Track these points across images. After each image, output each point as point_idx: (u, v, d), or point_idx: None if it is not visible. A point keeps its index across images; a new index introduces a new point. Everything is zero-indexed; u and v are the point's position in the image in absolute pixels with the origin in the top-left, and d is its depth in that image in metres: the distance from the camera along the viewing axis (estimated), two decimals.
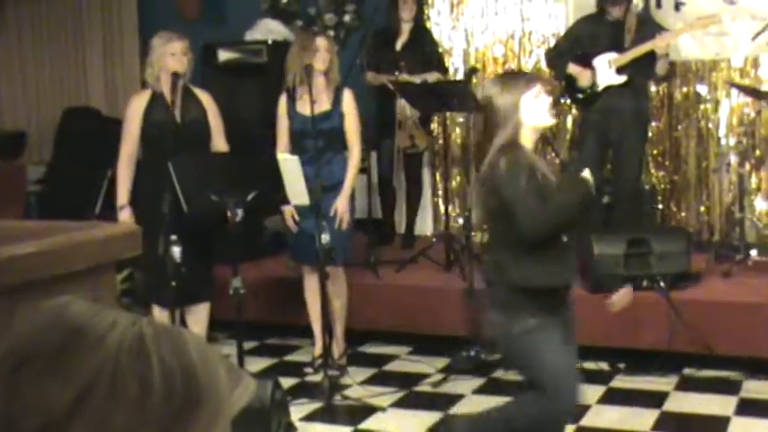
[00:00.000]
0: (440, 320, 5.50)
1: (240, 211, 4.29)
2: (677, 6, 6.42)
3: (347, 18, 7.20)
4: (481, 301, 3.63)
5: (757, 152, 6.50)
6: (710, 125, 6.51)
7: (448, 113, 6.18)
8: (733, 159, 6.43)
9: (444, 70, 6.52)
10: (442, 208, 6.78)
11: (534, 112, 3.25)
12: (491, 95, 3.27)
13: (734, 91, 6.30)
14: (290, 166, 4.61)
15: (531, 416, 3.39)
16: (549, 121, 3.35)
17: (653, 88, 6.23)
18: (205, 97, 4.99)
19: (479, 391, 4.95)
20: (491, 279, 3.41)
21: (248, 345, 5.37)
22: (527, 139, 3.27)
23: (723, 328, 4.92)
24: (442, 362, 5.35)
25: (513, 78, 3.47)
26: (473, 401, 4.78)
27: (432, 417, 4.56)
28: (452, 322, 5.39)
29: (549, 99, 3.33)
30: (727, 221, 6.44)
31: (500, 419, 3.52)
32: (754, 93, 5.98)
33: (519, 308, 3.23)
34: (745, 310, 4.99)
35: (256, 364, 5.39)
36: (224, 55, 6.82)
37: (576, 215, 3.30)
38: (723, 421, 4.40)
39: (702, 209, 6.64)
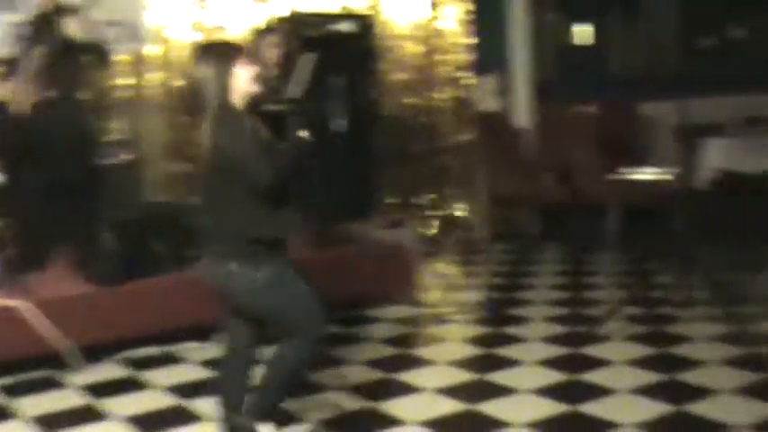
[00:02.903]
0: None
1: None
2: None
3: None
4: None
5: None
6: None
7: None
8: None
9: None
10: None
11: (243, 80, 3.48)
12: (208, 67, 3.45)
13: None
14: None
15: (300, 356, 3.60)
16: (255, 88, 3.52)
17: None
18: None
19: None
20: (224, 234, 3.49)
21: None
22: (239, 104, 3.49)
23: None
24: None
25: (223, 48, 3.63)
26: None
27: None
28: None
29: (256, 68, 3.53)
30: None
31: (277, 380, 3.64)
32: None
33: (259, 257, 3.47)
34: None
35: None
36: None
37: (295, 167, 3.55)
38: None
39: None
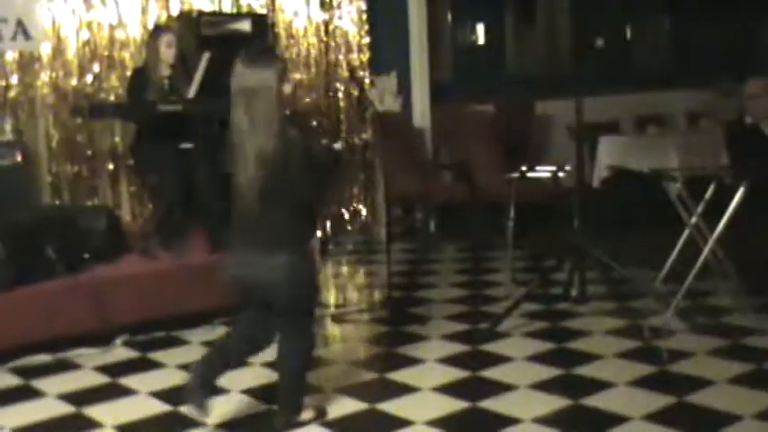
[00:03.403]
0: None
1: None
2: None
3: None
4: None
5: None
6: None
7: None
8: None
9: None
10: None
11: (288, 91, 3.57)
12: (263, 75, 3.48)
13: None
14: None
15: (309, 343, 4.01)
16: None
17: None
18: None
19: None
20: (277, 230, 3.61)
21: None
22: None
23: None
24: None
25: (278, 60, 3.62)
26: None
27: None
28: None
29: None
30: None
31: (297, 373, 4.03)
32: None
33: (302, 249, 3.71)
34: None
35: None
36: None
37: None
38: None
39: None
